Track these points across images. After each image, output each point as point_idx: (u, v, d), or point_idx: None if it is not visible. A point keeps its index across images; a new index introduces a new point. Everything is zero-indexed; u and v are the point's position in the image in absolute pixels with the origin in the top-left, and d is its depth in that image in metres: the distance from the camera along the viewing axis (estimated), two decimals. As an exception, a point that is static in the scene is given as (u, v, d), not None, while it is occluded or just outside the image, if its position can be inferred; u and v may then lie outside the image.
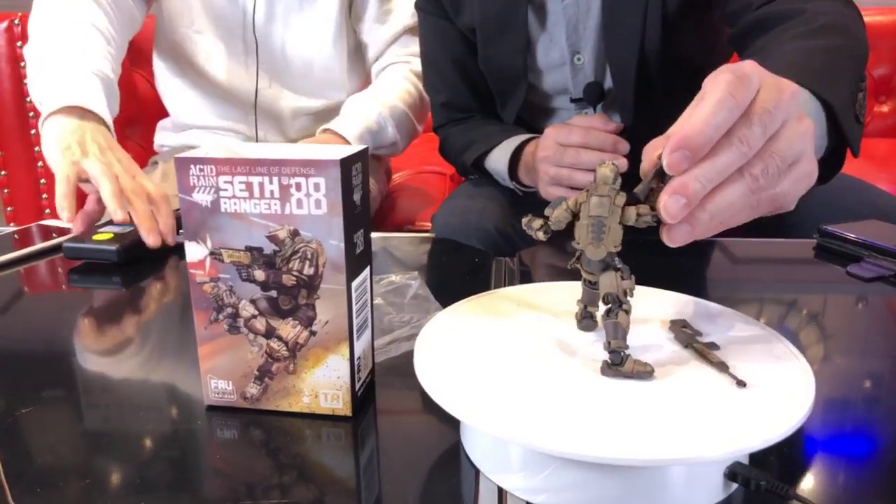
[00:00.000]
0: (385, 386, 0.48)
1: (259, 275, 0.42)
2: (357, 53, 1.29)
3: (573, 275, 0.46)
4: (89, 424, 0.45)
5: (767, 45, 0.72)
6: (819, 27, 0.69)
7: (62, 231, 0.85)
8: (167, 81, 1.28)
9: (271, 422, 0.44)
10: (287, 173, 0.40)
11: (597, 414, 0.36)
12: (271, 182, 0.40)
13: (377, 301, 0.61)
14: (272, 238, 0.41)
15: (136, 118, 1.61)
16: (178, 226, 0.81)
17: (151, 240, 0.76)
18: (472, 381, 0.39)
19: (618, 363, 0.39)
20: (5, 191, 1.61)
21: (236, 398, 0.45)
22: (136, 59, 1.59)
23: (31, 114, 1.55)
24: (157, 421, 0.45)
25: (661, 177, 0.39)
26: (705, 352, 0.41)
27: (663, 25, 0.88)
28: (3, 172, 1.59)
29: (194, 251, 0.42)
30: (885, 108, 2.19)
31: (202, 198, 0.41)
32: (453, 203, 1.02)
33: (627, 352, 0.39)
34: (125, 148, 0.89)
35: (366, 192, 0.44)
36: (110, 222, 0.81)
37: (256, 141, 1.27)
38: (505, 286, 0.54)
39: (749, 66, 0.39)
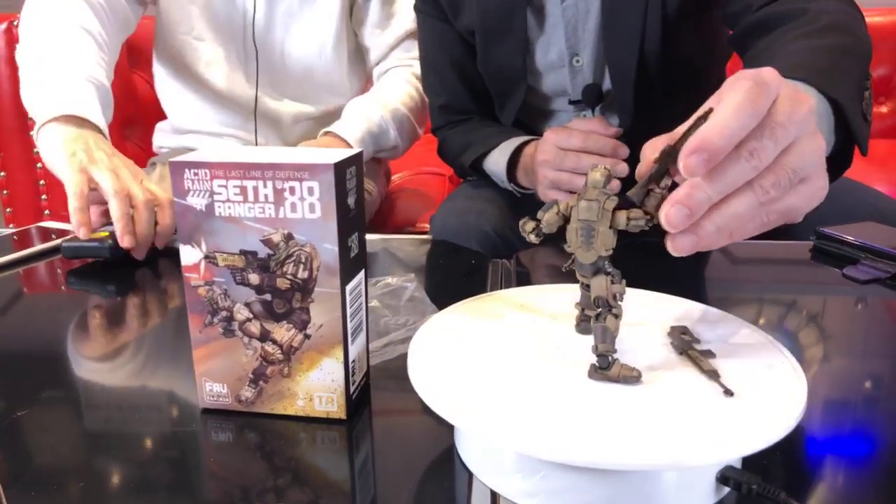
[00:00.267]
0: (380, 389, 0.48)
1: (253, 278, 0.42)
2: (357, 57, 1.29)
3: (570, 277, 0.46)
4: (85, 426, 0.45)
5: (770, 45, 0.71)
6: (823, 27, 0.69)
7: (61, 233, 0.85)
8: (166, 86, 1.28)
9: (266, 425, 0.44)
10: (281, 177, 0.40)
11: (589, 418, 0.36)
12: (265, 186, 0.40)
13: (373, 303, 0.61)
14: (266, 242, 0.41)
15: (135, 119, 1.61)
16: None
17: (126, 241, 0.76)
18: (465, 385, 0.39)
19: (604, 367, 0.39)
20: (4, 192, 1.61)
21: (231, 401, 0.45)
22: (136, 60, 1.59)
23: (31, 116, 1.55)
24: (152, 423, 0.45)
25: (657, 180, 0.39)
26: (699, 359, 0.41)
27: (663, 27, 0.88)
28: (2, 174, 1.60)
29: (189, 255, 0.42)
30: (884, 109, 2.19)
31: (197, 201, 0.41)
32: (452, 205, 1.02)
33: (615, 356, 0.39)
34: (123, 149, 0.89)
35: (360, 196, 0.44)
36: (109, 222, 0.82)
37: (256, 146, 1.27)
38: (501, 288, 0.54)
39: (768, 74, 0.38)
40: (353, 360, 0.44)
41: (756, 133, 0.37)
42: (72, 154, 0.82)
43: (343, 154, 0.41)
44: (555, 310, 0.49)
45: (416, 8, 1.08)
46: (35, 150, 1.55)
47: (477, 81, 1.06)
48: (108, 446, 0.42)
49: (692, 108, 0.42)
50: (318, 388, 0.43)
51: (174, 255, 0.79)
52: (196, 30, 1.20)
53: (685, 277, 0.70)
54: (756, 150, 0.36)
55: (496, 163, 1.00)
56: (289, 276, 0.41)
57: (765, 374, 0.40)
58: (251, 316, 0.43)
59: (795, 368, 0.40)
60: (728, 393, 0.37)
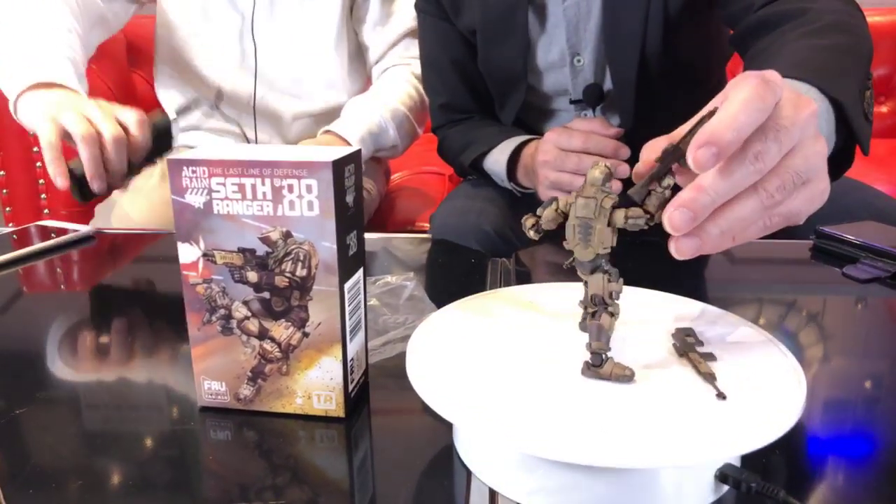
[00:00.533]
0: (379, 387, 0.48)
1: (252, 276, 0.42)
2: (357, 56, 1.29)
3: (570, 275, 0.46)
4: (83, 425, 0.45)
5: (771, 44, 0.71)
6: (823, 26, 0.69)
7: (61, 231, 0.85)
8: (166, 84, 1.28)
9: (264, 423, 0.44)
10: (279, 175, 0.40)
11: (588, 417, 0.36)
12: (263, 184, 0.40)
13: (372, 302, 0.61)
14: (265, 239, 0.41)
15: (136, 118, 1.61)
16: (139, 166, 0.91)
17: (96, 186, 0.83)
18: (464, 383, 0.39)
19: (597, 365, 0.39)
20: (4, 191, 1.61)
21: (230, 399, 0.45)
22: (136, 59, 1.59)
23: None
24: (151, 422, 0.45)
25: (659, 179, 0.39)
26: (697, 361, 0.41)
27: (664, 27, 0.88)
28: (1, 173, 1.59)
29: (187, 252, 0.42)
30: (884, 109, 2.19)
31: (195, 199, 0.41)
32: (452, 204, 1.02)
33: (609, 354, 0.39)
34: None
35: (359, 194, 0.44)
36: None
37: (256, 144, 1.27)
38: (501, 287, 0.54)
39: (771, 74, 0.38)
40: (352, 359, 0.44)
41: (759, 136, 0.36)
42: (46, 110, 0.85)
43: (341, 152, 0.41)
44: (554, 308, 0.49)
45: (418, 7, 1.08)
46: (35, 149, 1.55)
47: (477, 81, 1.06)
48: (106, 444, 0.42)
49: (693, 108, 0.42)
50: (317, 386, 0.43)
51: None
52: (196, 28, 1.20)
53: (685, 276, 0.70)
54: (760, 153, 0.36)
55: (496, 162, 1.00)
56: (287, 274, 0.41)
57: (764, 372, 0.40)
58: (250, 314, 0.43)
59: (795, 367, 0.40)
60: (721, 396, 0.37)
